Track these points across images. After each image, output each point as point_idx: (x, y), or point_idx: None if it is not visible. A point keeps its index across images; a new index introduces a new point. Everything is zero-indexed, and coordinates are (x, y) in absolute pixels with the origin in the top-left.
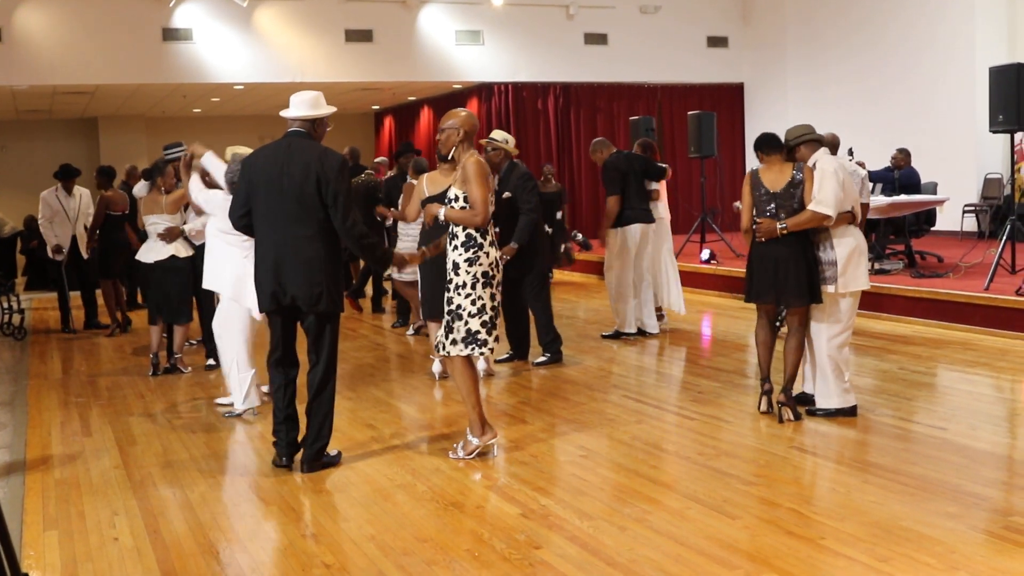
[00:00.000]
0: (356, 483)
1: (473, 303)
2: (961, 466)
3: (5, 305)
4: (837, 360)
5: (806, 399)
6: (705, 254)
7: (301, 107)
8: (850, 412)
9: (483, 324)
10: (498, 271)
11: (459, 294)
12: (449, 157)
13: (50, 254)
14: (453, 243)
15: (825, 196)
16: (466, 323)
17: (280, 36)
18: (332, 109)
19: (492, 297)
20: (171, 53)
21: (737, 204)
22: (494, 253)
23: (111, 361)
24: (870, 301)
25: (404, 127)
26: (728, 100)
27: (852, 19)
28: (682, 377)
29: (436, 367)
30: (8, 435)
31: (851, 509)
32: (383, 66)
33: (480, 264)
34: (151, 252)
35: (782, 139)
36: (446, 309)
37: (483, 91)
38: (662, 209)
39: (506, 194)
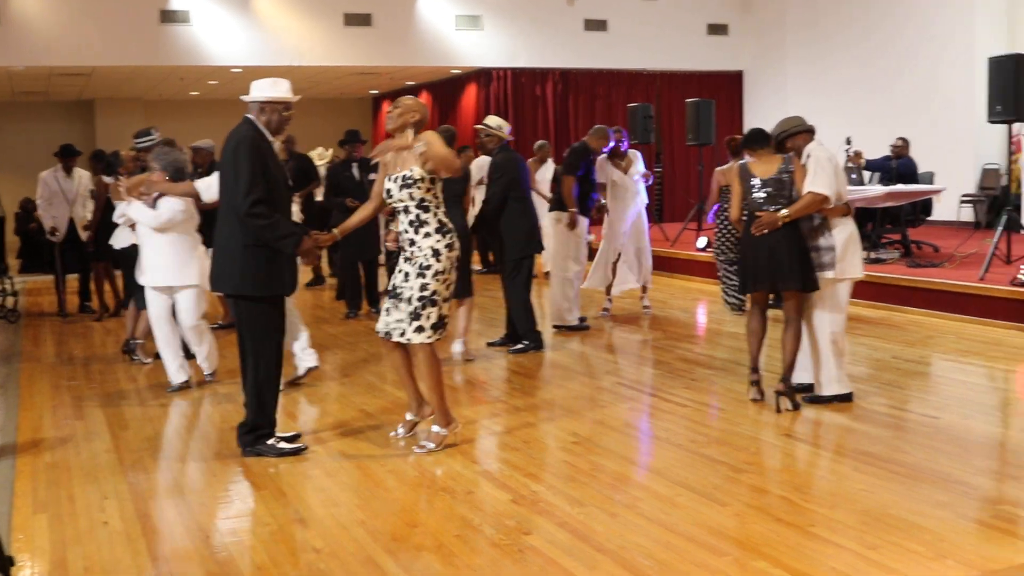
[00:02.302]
0: (347, 468)
1: (448, 288)
2: (952, 455)
3: None
4: (840, 345)
5: (802, 389)
6: (701, 242)
7: (250, 91)
8: (847, 398)
9: (448, 308)
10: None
11: (438, 279)
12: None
13: (48, 236)
14: (423, 230)
15: (822, 180)
16: (439, 308)
17: (278, 19)
18: (276, 94)
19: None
20: (169, 35)
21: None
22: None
23: (104, 345)
24: (866, 290)
25: None
26: (727, 88)
27: (852, 9)
28: (674, 364)
29: (457, 347)
30: None
31: (841, 497)
32: (382, 50)
33: (456, 249)
34: (119, 238)
35: (771, 132)
36: (418, 295)
37: (482, 76)
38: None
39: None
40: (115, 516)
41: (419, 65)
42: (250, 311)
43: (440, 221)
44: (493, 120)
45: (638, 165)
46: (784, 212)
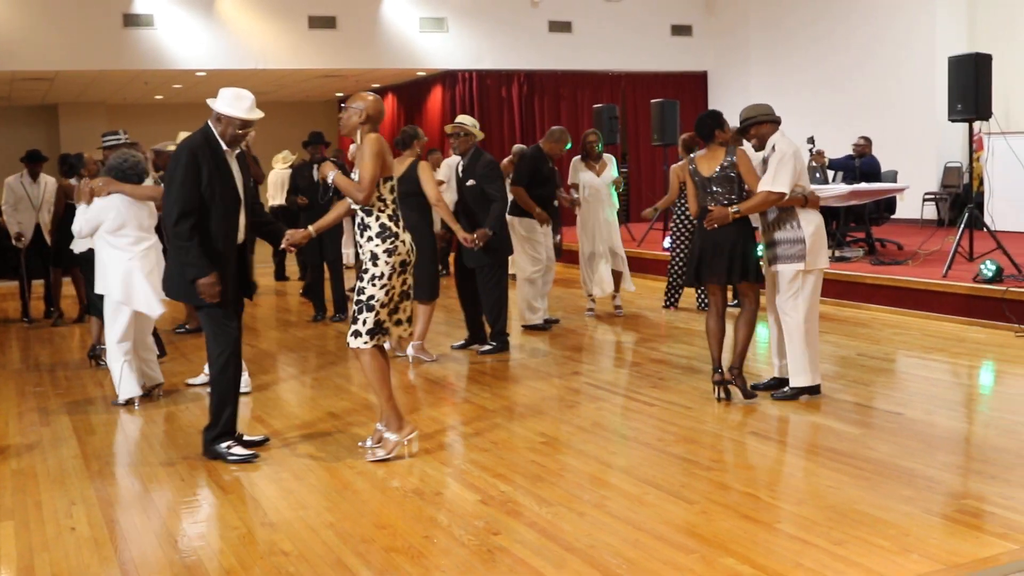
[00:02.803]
0: (315, 471)
1: (387, 293)
2: (917, 451)
3: None
4: (812, 337)
5: (782, 383)
6: (667, 242)
7: (217, 95)
8: (814, 390)
9: (390, 313)
10: (413, 255)
11: (375, 284)
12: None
13: (13, 241)
14: (366, 234)
15: (780, 176)
16: (376, 314)
17: (242, 22)
18: (231, 111)
19: (404, 283)
20: (132, 39)
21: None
22: (408, 239)
23: (70, 351)
24: (831, 288)
25: None
26: (691, 88)
27: (814, 8)
28: (642, 364)
29: (409, 351)
30: None
31: (807, 493)
32: (346, 53)
33: (399, 253)
34: (77, 243)
35: (739, 116)
36: (355, 299)
37: (447, 78)
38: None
39: (470, 182)
40: (82, 522)
41: (384, 67)
42: (204, 318)
43: (383, 225)
44: (467, 119)
45: (611, 169)
46: (734, 208)
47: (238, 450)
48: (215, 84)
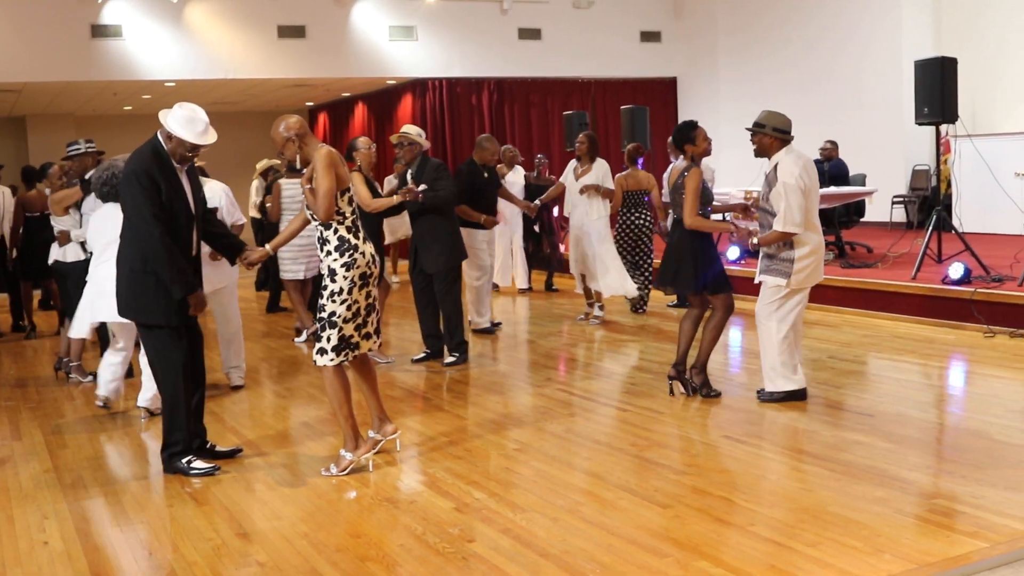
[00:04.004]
0: (289, 481)
1: (348, 308)
2: (888, 451)
3: None
4: (788, 345)
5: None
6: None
7: (171, 108)
8: (794, 395)
9: (356, 327)
10: (375, 267)
11: (335, 301)
12: (299, 165)
13: None
14: (326, 248)
15: (791, 214)
16: (340, 330)
17: (211, 32)
18: (182, 133)
19: (368, 296)
20: (100, 50)
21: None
22: (369, 250)
23: (41, 365)
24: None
25: (339, 123)
26: (661, 94)
27: (781, 13)
28: (615, 369)
29: None
30: None
31: (780, 496)
32: (316, 62)
33: (358, 267)
34: (60, 253)
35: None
36: (318, 316)
37: (417, 87)
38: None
39: (422, 186)
40: (55, 536)
41: (354, 76)
42: (149, 337)
43: (341, 238)
44: (412, 128)
45: (592, 176)
46: (754, 241)
47: (199, 464)
48: (185, 94)
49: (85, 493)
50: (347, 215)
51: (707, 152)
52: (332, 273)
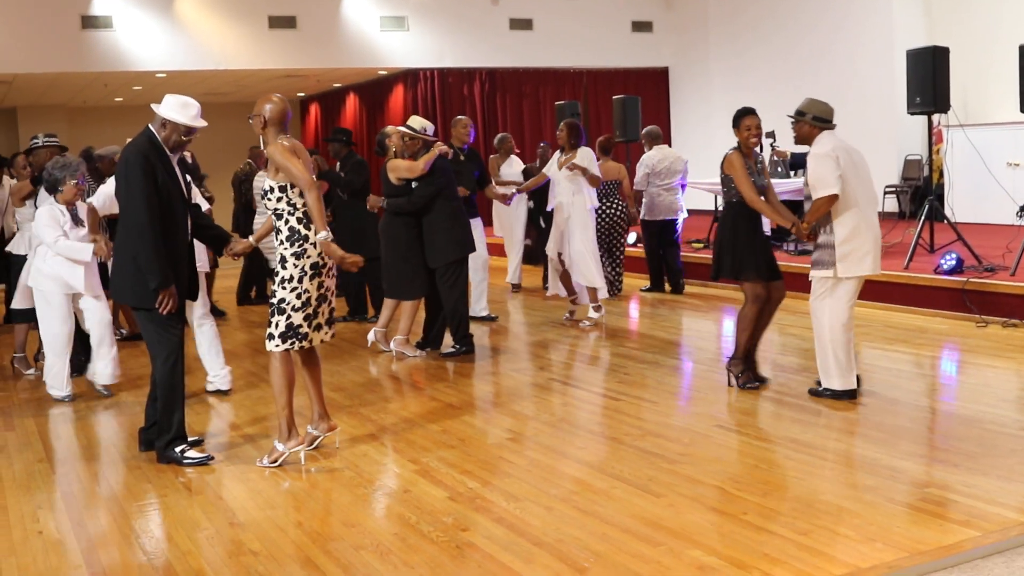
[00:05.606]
0: (282, 470)
1: (299, 296)
2: (880, 440)
3: None
4: (841, 341)
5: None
6: (632, 237)
7: (163, 101)
8: (847, 395)
9: (306, 317)
10: (327, 258)
11: (284, 288)
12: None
13: None
14: (279, 237)
15: (824, 180)
16: (288, 317)
17: (202, 23)
18: (178, 118)
19: (320, 286)
20: (91, 41)
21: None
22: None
23: (33, 354)
24: (794, 282)
25: (330, 114)
26: (653, 84)
27: (771, 2)
28: (608, 359)
29: (392, 344)
30: None
31: (773, 485)
32: (307, 53)
33: (308, 256)
34: (14, 244)
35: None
36: (269, 302)
37: (409, 77)
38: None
39: (415, 182)
40: (49, 525)
41: (345, 67)
42: (146, 321)
43: (291, 228)
44: (417, 122)
45: (581, 161)
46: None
47: (192, 453)
48: (176, 85)
49: (78, 482)
50: (298, 207)
51: (749, 143)
52: (283, 261)
